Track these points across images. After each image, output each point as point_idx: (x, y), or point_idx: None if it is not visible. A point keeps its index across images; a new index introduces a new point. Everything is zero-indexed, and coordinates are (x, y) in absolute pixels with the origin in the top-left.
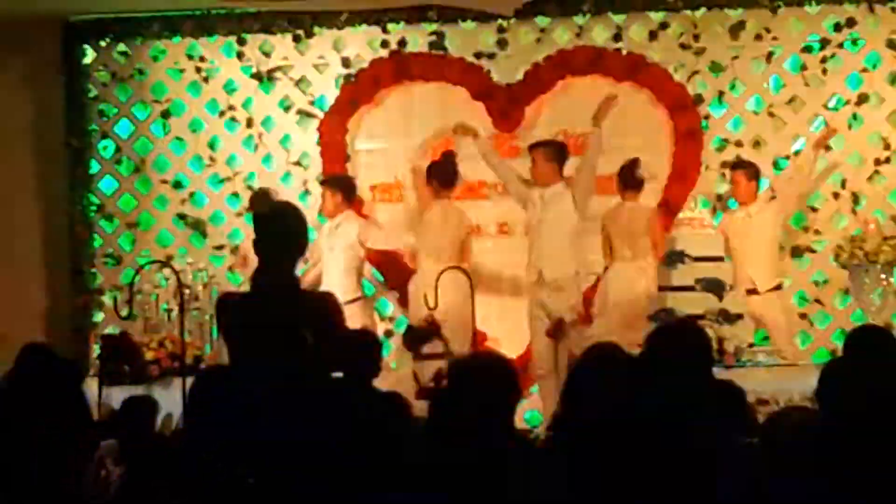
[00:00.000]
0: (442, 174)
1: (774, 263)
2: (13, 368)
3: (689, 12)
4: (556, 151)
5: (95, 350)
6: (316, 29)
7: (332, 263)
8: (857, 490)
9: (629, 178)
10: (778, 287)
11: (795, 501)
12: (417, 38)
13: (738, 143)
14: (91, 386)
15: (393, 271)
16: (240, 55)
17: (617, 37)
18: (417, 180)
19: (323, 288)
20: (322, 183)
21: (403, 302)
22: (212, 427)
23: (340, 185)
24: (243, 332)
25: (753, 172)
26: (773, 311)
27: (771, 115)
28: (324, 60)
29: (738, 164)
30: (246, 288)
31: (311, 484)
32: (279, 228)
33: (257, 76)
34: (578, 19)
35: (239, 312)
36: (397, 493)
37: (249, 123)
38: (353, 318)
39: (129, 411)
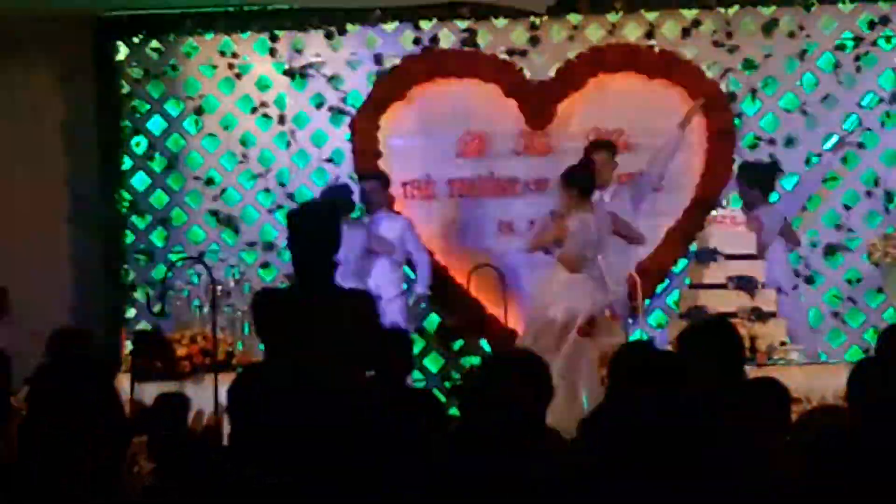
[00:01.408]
0: (581, 181)
1: (789, 264)
2: (45, 361)
3: (722, 10)
4: (615, 151)
5: (127, 346)
6: (348, 26)
7: (378, 258)
8: (888, 490)
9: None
10: (795, 287)
11: (827, 501)
12: (450, 35)
13: (771, 141)
14: (123, 382)
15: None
16: (272, 52)
17: (650, 34)
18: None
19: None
20: (367, 178)
21: (436, 301)
22: (250, 425)
23: (387, 181)
24: (282, 329)
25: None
26: (795, 311)
27: (804, 112)
28: (356, 57)
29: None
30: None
31: (342, 482)
32: (316, 226)
33: (290, 73)
34: (611, 16)
35: (278, 309)
36: (429, 491)
37: (282, 120)
38: (395, 314)
39: (161, 408)
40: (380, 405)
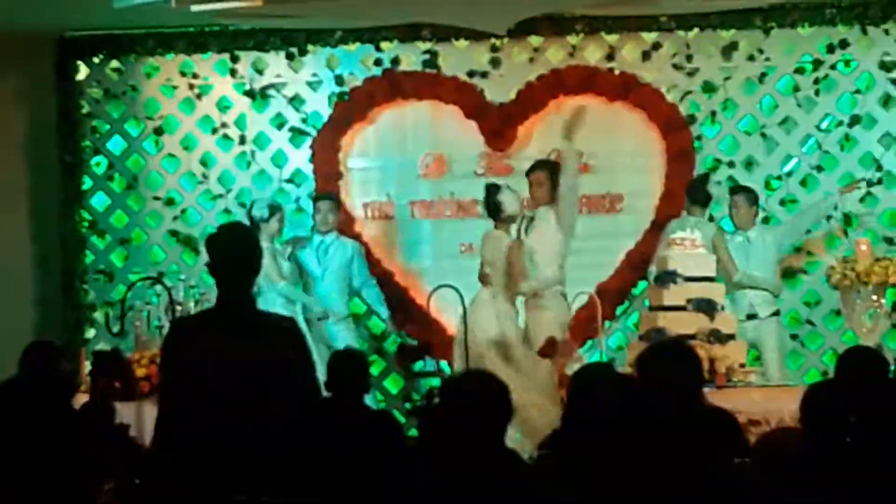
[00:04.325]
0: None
1: (774, 289)
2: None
3: (681, 33)
4: (555, 172)
5: (87, 366)
6: (310, 47)
7: (326, 280)
8: None
9: (698, 193)
10: (776, 313)
11: None
12: (411, 57)
13: (731, 164)
14: (81, 402)
15: (385, 291)
16: (233, 72)
17: (610, 56)
18: None
19: (315, 303)
20: (325, 198)
21: (396, 320)
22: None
23: (338, 202)
24: (199, 357)
25: (754, 198)
26: (770, 336)
27: (763, 135)
28: (317, 78)
29: (740, 189)
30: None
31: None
32: (237, 249)
33: (250, 93)
34: (571, 39)
35: (201, 336)
36: None
37: (242, 140)
38: (343, 336)
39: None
40: (336, 426)
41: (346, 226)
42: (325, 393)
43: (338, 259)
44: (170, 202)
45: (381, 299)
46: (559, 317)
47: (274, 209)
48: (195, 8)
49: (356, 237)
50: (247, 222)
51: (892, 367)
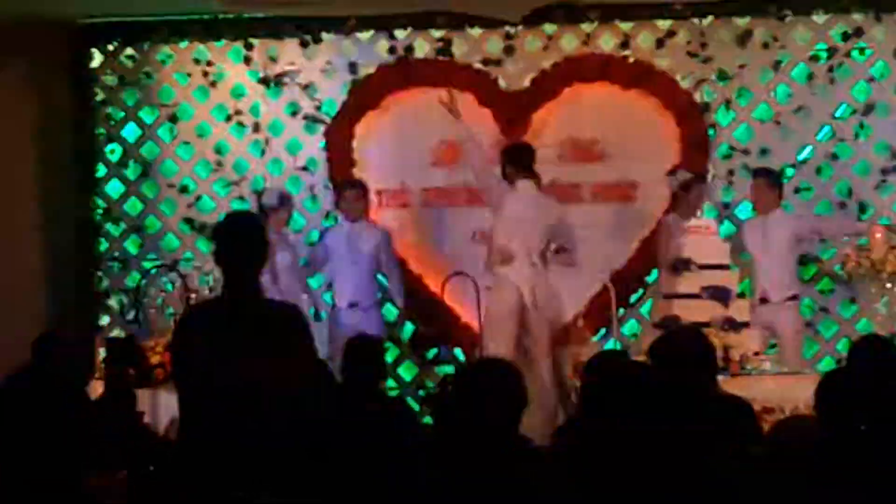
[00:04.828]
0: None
1: (790, 274)
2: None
3: (696, 20)
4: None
5: (101, 353)
6: (323, 34)
7: (357, 266)
8: (855, 500)
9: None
10: (793, 298)
11: None
12: (425, 45)
13: (745, 152)
14: (97, 389)
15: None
16: (247, 60)
17: (624, 44)
18: None
19: (340, 290)
20: (352, 186)
21: (410, 309)
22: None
23: (365, 189)
24: (210, 345)
25: (775, 180)
26: (786, 321)
27: (778, 123)
28: (331, 66)
29: (761, 171)
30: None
31: (315, 488)
32: (244, 238)
33: (265, 81)
34: (586, 26)
35: (208, 325)
36: (401, 498)
37: (256, 128)
38: (371, 323)
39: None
40: (351, 411)
41: None
42: (339, 379)
43: (369, 245)
44: (184, 189)
45: (401, 289)
46: (497, 304)
47: (283, 199)
48: None
49: None
50: (257, 209)
51: None
